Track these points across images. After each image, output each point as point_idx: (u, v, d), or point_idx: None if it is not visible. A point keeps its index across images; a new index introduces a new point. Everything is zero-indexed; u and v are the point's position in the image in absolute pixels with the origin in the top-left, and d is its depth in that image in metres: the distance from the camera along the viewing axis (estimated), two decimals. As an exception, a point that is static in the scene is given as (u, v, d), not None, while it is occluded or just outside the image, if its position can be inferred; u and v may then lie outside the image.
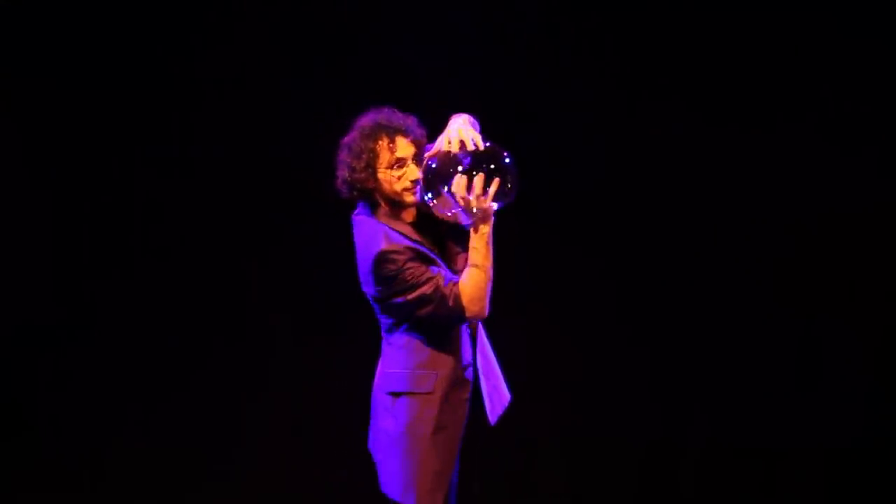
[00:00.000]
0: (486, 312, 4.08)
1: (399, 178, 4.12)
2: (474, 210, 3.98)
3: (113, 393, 6.30)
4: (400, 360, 4.13)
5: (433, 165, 4.03)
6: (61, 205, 6.29)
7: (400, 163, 4.11)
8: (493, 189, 3.97)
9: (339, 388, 6.07)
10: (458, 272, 4.13)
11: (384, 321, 4.17)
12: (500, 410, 4.28)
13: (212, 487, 6.31)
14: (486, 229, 4.02)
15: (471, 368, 4.18)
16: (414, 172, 4.10)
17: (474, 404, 4.19)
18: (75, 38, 6.26)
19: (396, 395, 4.12)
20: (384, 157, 4.10)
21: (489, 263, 4.05)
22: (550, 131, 6.35)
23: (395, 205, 4.15)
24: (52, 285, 6.30)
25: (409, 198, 4.12)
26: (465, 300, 4.02)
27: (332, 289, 6.05)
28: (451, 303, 4.02)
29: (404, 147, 4.12)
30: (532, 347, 6.38)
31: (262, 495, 6.31)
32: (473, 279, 4.02)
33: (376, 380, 4.22)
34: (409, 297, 4.02)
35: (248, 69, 6.31)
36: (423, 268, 4.04)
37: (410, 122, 4.17)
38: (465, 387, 4.15)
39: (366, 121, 4.15)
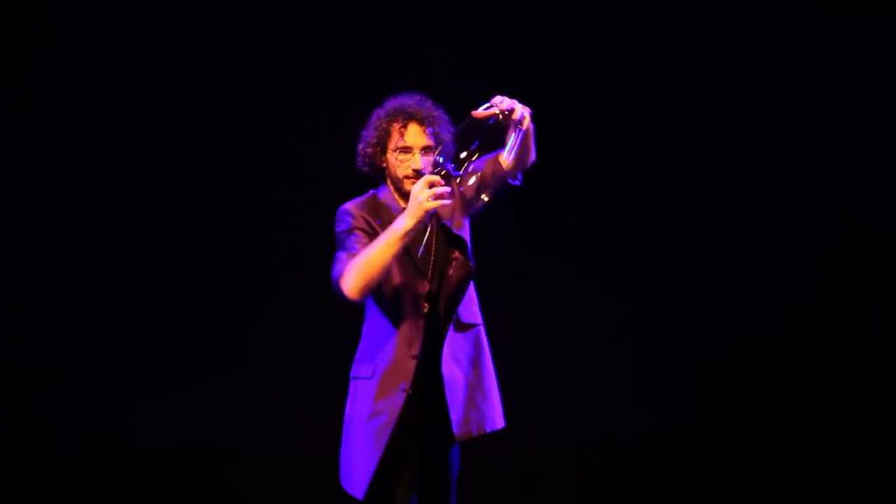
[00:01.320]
0: (352, 294, 3.99)
1: (402, 162, 4.14)
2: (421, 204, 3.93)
3: (114, 393, 6.32)
4: (359, 344, 4.21)
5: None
6: (62, 205, 6.31)
7: (406, 150, 4.14)
8: (432, 192, 3.92)
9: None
10: (426, 278, 4.13)
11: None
12: (473, 430, 4.17)
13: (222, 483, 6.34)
14: (408, 223, 3.93)
15: (417, 362, 4.10)
16: (418, 162, 4.11)
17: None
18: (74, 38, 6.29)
19: (352, 379, 4.20)
20: (394, 139, 4.14)
21: (381, 252, 3.96)
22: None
23: (398, 188, 4.18)
24: (52, 286, 6.32)
25: (409, 186, 4.11)
26: (346, 270, 4.00)
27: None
28: (334, 272, 4.05)
29: (415, 135, 4.14)
30: (532, 347, 6.40)
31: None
32: (361, 257, 3.99)
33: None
34: (336, 253, 4.09)
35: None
36: (363, 241, 4.06)
37: (436, 113, 4.18)
38: (406, 377, 4.09)
39: (392, 101, 4.20)
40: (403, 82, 6.21)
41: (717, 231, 6.42)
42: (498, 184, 4.11)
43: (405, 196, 4.11)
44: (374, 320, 4.15)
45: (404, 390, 4.07)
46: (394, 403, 4.07)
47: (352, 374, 4.19)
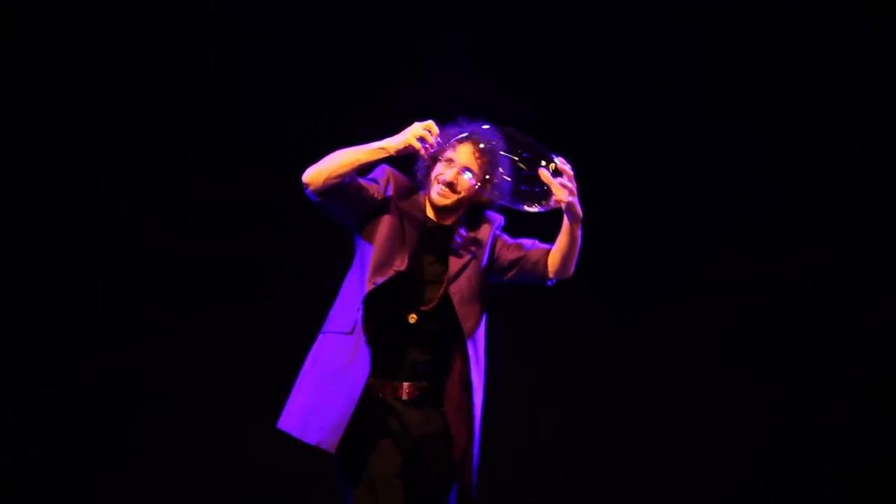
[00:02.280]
0: (307, 179, 4.15)
1: (441, 171, 4.25)
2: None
3: (115, 393, 6.32)
4: (337, 299, 4.33)
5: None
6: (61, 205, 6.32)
7: (450, 162, 4.25)
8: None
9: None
10: (427, 300, 4.24)
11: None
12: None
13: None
14: (390, 142, 4.14)
15: (361, 311, 4.22)
16: (451, 175, 4.23)
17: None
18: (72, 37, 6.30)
19: (323, 334, 4.29)
20: (447, 151, 4.24)
21: (352, 152, 4.15)
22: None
23: (429, 197, 4.30)
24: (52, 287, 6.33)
25: (434, 194, 4.27)
26: (313, 166, 4.19)
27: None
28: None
29: (465, 154, 4.25)
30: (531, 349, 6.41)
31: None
32: (329, 156, 4.18)
33: None
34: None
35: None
36: (369, 185, 4.23)
37: (496, 142, 4.26)
38: (356, 336, 4.21)
39: (468, 129, 4.30)
40: (403, 82, 6.26)
41: (716, 238, 6.43)
42: (531, 277, 4.35)
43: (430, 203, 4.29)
44: (358, 279, 4.24)
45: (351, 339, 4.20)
46: (354, 354, 4.19)
47: (327, 327, 4.28)
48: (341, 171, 4.12)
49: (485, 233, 4.32)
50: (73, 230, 6.32)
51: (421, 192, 4.32)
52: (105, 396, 6.29)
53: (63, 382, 6.28)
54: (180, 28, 6.33)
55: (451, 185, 4.22)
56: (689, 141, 6.40)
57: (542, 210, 4.18)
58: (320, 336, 4.28)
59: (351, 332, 4.18)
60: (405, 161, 4.25)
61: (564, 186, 4.13)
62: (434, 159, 4.25)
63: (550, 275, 4.31)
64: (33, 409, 6.30)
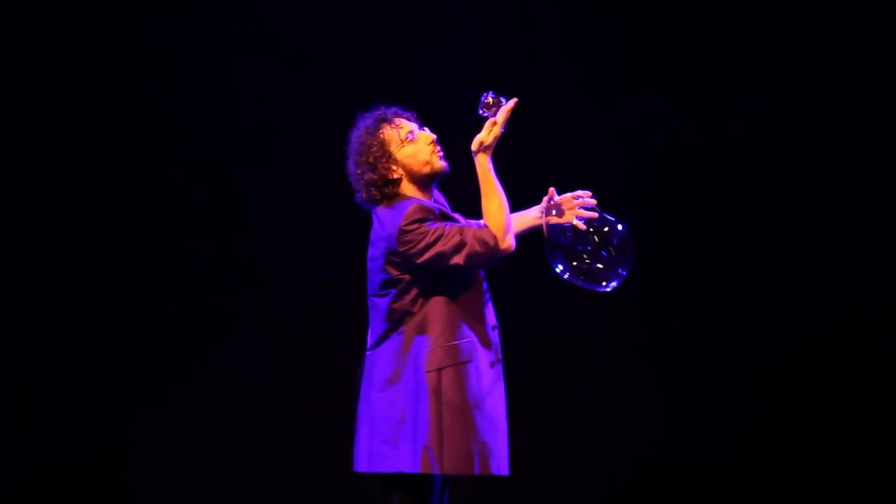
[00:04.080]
0: (514, 242, 4.12)
1: (417, 147, 4.18)
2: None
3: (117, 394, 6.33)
4: (433, 337, 4.13)
5: (563, 240, 4.25)
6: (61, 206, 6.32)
7: (411, 135, 4.19)
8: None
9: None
10: None
11: (383, 326, 4.17)
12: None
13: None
14: (484, 160, 4.11)
15: (497, 330, 4.22)
16: (428, 135, 4.20)
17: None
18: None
19: (439, 371, 4.11)
20: (395, 138, 4.17)
21: (498, 193, 4.11)
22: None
23: (425, 179, 4.20)
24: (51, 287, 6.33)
25: (438, 160, 4.21)
26: (496, 232, 4.07)
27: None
28: (487, 237, 4.07)
29: (406, 124, 4.21)
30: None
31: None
32: (493, 210, 4.10)
33: (410, 362, 4.16)
34: (443, 246, 4.05)
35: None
36: (448, 223, 4.10)
37: (396, 106, 4.26)
38: (494, 350, 4.20)
39: (361, 123, 4.23)
40: (402, 82, 6.26)
41: (728, 241, 6.42)
42: None
43: (428, 186, 4.21)
44: (438, 310, 4.14)
45: (493, 363, 4.18)
46: (497, 376, 4.18)
47: (437, 365, 4.12)
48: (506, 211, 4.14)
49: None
50: (72, 230, 6.31)
51: (402, 185, 4.19)
52: (104, 396, 6.29)
53: (63, 382, 6.28)
54: (180, 27, 6.33)
55: (436, 141, 4.21)
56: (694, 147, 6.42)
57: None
58: (430, 374, 4.12)
59: (470, 360, 4.14)
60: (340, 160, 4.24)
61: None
62: (389, 165, 4.15)
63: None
64: (33, 409, 6.30)
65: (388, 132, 4.17)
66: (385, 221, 4.14)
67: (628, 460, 6.43)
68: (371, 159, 4.15)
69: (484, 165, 4.09)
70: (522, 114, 4.10)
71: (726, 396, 6.39)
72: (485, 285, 4.22)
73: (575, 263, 4.25)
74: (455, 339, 4.12)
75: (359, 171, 4.18)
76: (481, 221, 4.18)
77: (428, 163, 4.19)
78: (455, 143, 4.27)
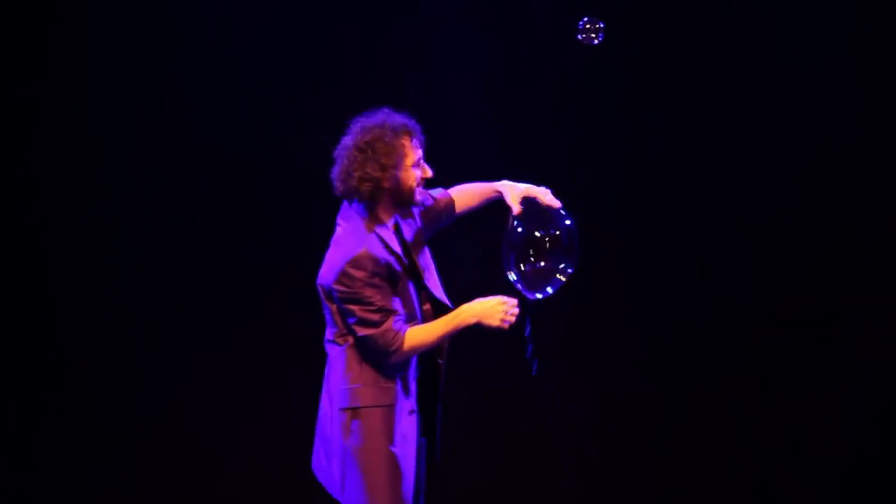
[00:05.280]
0: (397, 363, 4.16)
1: (416, 178, 4.20)
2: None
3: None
4: (355, 374, 4.18)
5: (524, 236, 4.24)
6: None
7: (419, 161, 4.21)
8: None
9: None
10: (420, 287, 4.25)
11: (333, 329, 4.22)
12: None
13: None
14: (468, 319, 4.15)
15: (416, 382, 4.26)
16: (427, 171, 4.23)
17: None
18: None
19: (354, 410, 4.16)
20: (411, 156, 4.18)
21: (439, 339, 4.17)
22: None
23: (400, 204, 4.22)
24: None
25: (418, 196, 4.23)
26: (404, 347, 4.12)
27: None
28: (391, 338, 4.10)
29: (419, 148, 4.23)
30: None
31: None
32: (420, 338, 4.14)
33: (329, 392, 4.24)
34: (360, 311, 4.09)
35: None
36: (388, 291, 4.12)
37: (418, 124, 4.27)
38: (412, 398, 4.24)
39: (387, 120, 4.19)
40: (401, 82, 6.26)
41: (723, 238, 6.43)
42: (447, 220, 4.47)
43: (402, 206, 4.22)
44: (362, 350, 4.17)
45: (410, 412, 4.21)
46: (411, 426, 4.22)
47: (361, 402, 4.17)
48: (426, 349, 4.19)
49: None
50: (72, 230, 6.33)
51: (368, 217, 4.20)
52: (104, 396, 6.30)
53: (61, 382, 6.29)
54: (180, 28, 6.34)
55: (425, 179, 4.25)
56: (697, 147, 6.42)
57: None
58: (346, 413, 4.18)
59: (391, 404, 4.18)
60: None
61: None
62: (392, 175, 4.16)
63: (457, 212, 4.46)
64: (33, 408, 6.31)
65: (409, 146, 4.17)
66: (339, 246, 4.18)
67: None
68: (384, 160, 4.12)
69: (457, 323, 4.14)
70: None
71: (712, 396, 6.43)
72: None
73: (527, 263, 4.23)
74: (376, 384, 4.16)
75: (361, 162, 4.14)
76: (446, 195, 4.38)
77: (412, 192, 4.20)
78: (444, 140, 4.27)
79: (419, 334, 4.13)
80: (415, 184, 4.18)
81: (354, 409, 4.15)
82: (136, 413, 6.31)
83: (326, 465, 4.24)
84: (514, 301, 4.13)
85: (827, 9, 6.28)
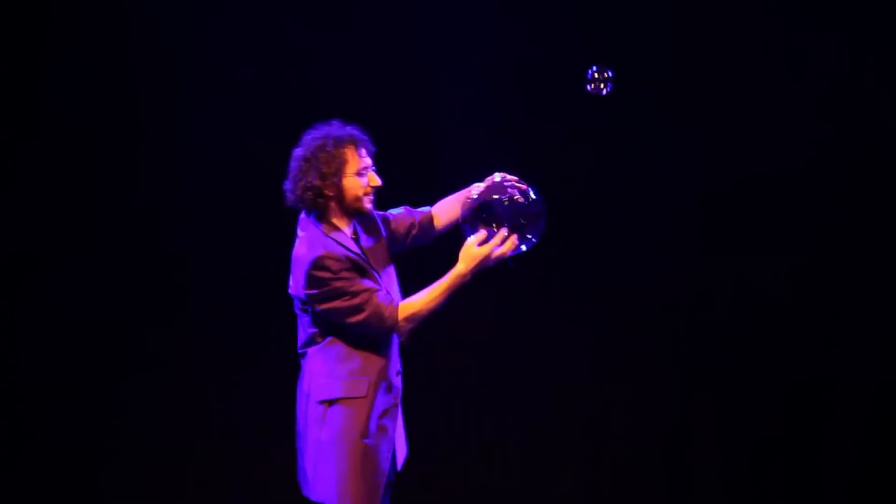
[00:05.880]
0: (404, 336, 4.28)
1: (362, 185, 4.32)
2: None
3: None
4: (331, 369, 4.25)
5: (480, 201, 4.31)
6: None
7: (365, 170, 4.32)
8: (504, 248, 4.24)
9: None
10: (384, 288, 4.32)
11: (310, 331, 4.30)
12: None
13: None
14: (464, 274, 4.22)
15: (401, 376, 4.36)
16: (375, 180, 4.34)
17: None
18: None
19: (329, 402, 4.24)
20: (353, 164, 4.31)
21: (440, 302, 4.25)
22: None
23: (349, 212, 4.33)
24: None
25: (367, 203, 4.35)
26: (402, 316, 4.22)
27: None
28: (383, 312, 4.19)
29: (366, 159, 4.35)
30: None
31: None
32: (422, 302, 4.23)
33: (305, 392, 4.32)
34: (342, 304, 4.17)
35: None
36: (358, 279, 4.21)
37: (366, 134, 4.40)
38: (395, 393, 4.33)
39: (332, 130, 4.34)
40: (400, 82, 6.27)
41: (720, 239, 6.43)
42: (424, 238, 4.60)
43: (352, 214, 4.32)
44: (350, 342, 4.26)
45: (390, 407, 4.30)
46: (393, 418, 4.31)
47: (336, 394, 4.25)
48: (429, 317, 4.27)
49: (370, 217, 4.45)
50: (71, 229, 6.33)
51: (319, 226, 4.30)
52: (103, 396, 6.30)
53: (61, 382, 6.30)
54: (180, 28, 6.35)
55: (376, 188, 4.35)
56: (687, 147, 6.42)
57: None
58: (321, 406, 4.25)
59: (366, 396, 4.25)
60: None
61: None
62: (334, 184, 4.26)
63: (437, 230, 4.58)
64: (33, 410, 6.31)
65: (351, 155, 4.30)
66: (299, 255, 4.27)
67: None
68: (324, 168, 4.27)
69: (462, 273, 4.22)
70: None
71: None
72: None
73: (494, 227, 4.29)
74: (350, 375, 4.23)
75: (304, 171, 4.28)
76: (425, 210, 4.46)
77: (357, 200, 4.31)
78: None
79: (417, 300, 4.23)
80: (361, 192, 4.30)
81: (330, 401, 4.23)
82: (135, 413, 6.32)
83: (300, 463, 4.31)
84: (484, 233, 4.22)
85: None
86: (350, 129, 4.34)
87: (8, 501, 6.22)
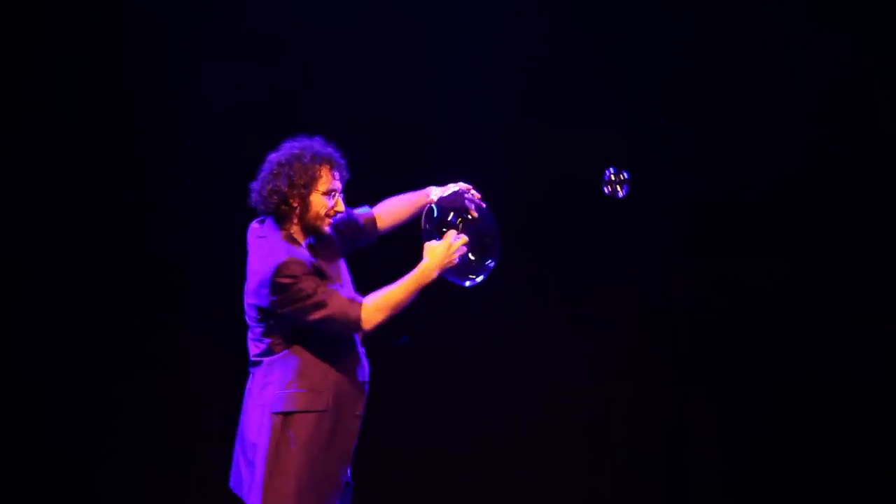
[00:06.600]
0: (371, 328, 4.19)
1: (327, 206, 4.30)
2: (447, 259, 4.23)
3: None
4: (290, 380, 4.22)
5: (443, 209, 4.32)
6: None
7: (333, 193, 4.31)
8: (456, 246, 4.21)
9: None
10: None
11: (267, 341, 4.26)
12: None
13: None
14: (430, 270, 4.19)
15: (366, 386, 4.33)
16: (340, 206, 4.33)
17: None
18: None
19: (287, 415, 4.20)
20: (324, 183, 4.30)
21: (407, 296, 4.20)
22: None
23: (308, 229, 4.32)
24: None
25: (326, 225, 4.33)
26: (366, 310, 4.17)
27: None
28: (348, 307, 4.15)
29: (339, 180, 4.35)
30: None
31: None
32: (387, 295, 4.19)
33: (259, 403, 4.27)
34: (306, 303, 4.13)
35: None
36: (320, 281, 4.17)
37: (345, 160, 4.40)
38: (359, 402, 4.30)
39: (314, 145, 4.33)
40: (398, 83, 6.27)
41: (718, 236, 6.43)
42: (367, 239, 4.60)
43: (309, 231, 4.30)
44: (310, 353, 4.23)
45: (358, 416, 4.29)
46: (352, 429, 4.28)
47: (294, 406, 4.21)
48: (398, 313, 4.22)
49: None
50: (71, 229, 6.33)
51: (279, 232, 4.30)
52: (103, 396, 6.30)
53: (61, 383, 6.29)
54: (178, 29, 6.34)
55: (338, 213, 4.33)
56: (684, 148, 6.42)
57: None
58: (277, 418, 4.21)
59: (325, 409, 4.22)
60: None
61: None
62: (301, 196, 4.26)
63: (381, 231, 4.60)
64: (32, 410, 6.31)
65: (324, 174, 4.29)
66: (260, 261, 4.24)
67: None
68: (295, 179, 4.26)
69: (428, 267, 4.19)
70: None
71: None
72: (356, 339, 4.30)
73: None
74: (311, 389, 4.21)
75: (275, 175, 4.28)
76: (365, 211, 4.48)
77: (319, 219, 4.30)
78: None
79: (383, 295, 4.19)
80: (323, 212, 4.29)
81: (286, 414, 4.20)
82: (134, 413, 6.32)
83: (248, 473, 4.24)
84: (454, 234, 4.21)
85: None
86: (330, 150, 4.33)
87: (8, 501, 6.21)
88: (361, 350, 4.33)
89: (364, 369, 4.33)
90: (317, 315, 4.13)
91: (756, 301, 6.39)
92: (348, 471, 4.31)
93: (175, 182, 6.36)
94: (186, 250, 6.36)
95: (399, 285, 4.19)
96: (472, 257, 4.29)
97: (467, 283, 4.31)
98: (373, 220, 4.58)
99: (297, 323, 4.19)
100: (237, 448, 4.34)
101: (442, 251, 4.19)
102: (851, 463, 6.33)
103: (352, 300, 4.17)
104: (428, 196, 4.48)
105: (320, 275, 4.20)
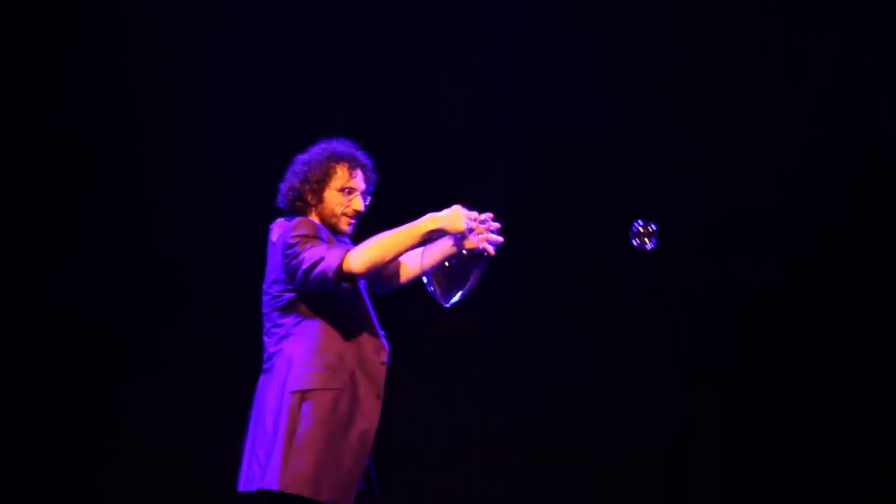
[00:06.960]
0: (359, 269, 4.08)
1: (343, 203, 4.31)
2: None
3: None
4: (308, 359, 4.20)
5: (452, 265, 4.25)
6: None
7: (350, 190, 4.32)
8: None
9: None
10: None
11: (284, 321, 4.24)
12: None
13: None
14: (429, 218, 4.13)
15: (384, 367, 4.28)
16: (358, 204, 4.32)
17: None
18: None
19: (305, 393, 4.18)
20: (340, 180, 4.32)
21: (397, 237, 4.11)
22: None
23: (326, 227, 4.30)
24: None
25: (344, 225, 4.33)
26: (355, 257, 4.08)
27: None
28: (335, 255, 4.08)
29: (360, 180, 4.34)
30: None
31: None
32: (375, 238, 4.12)
33: (280, 382, 4.24)
34: (305, 253, 4.11)
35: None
36: (329, 244, 4.17)
37: (372, 163, 4.39)
38: (378, 383, 4.26)
39: (336, 145, 4.36)
40: (398, 83, 6.27)
41: (718, 236, 6.43)
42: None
43: (329, 231, 4.28)
44: (327, 334, 4.22)
45: (379, 397, 4.25)
46: (374, 410, 4.23)
47: (311, 385, 4.19)
48: (390, 258, 4.14)
49: None
50: (71, 229, 6.33)
51: (309, 212, 4.32)
52: (103, 396, 6.30)
53: (62, 383, 6.30)
54: (178, 29, 6.35)
55: (358, 213, 4.32)
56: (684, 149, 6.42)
57: None
58: (295, 397, 4.18)
59: (342, 388, 4.19)
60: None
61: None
62: (315, 191, 4.27)
63: (400, 283, 4.54)
64: (31, 411, 6.31)
65: (339, 171, 4.31)
66: (278, 230, 4.25)
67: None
68: (311, 176, 4.30)
69: (418, 227, 4.12)
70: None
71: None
72: (375, 321, 4.30)
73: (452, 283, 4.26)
74: (325, 366, 4.19)
75: (295, 174, 4.32)
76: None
77: (335, 217, 4.32)
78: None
79: (372, 241, 4.11)
80: (339, 209, 4.31)
81: (304, 392, 4.18)
82: (133, 412, 6.33)
83: (265, 459, 4.21)
84: (475, 213, 4.16)
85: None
86: (354, 150, 4.35)
87: (8, 501, 6.21)
88: (381, 332, 4.32)
89: (383, 350, 4.30)
90: (306, 257, 4.10)
91: (757, 301, 6.40)
92: (369, 461, 4.27)
93: (175, 182, 6.37)
94: (186, 250, 6.36)
95: (393, 236, 4.14)
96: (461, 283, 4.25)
97: (454, 300, 4.26)
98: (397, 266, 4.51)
99: (302, 290, 4.17)
100: (248, 446, 4.33)
101: (450, 215, 4.14)
102: (853, 463, 6.33)
103: (340, 250, 4.12)
104: (450, 245, 4.30)
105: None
